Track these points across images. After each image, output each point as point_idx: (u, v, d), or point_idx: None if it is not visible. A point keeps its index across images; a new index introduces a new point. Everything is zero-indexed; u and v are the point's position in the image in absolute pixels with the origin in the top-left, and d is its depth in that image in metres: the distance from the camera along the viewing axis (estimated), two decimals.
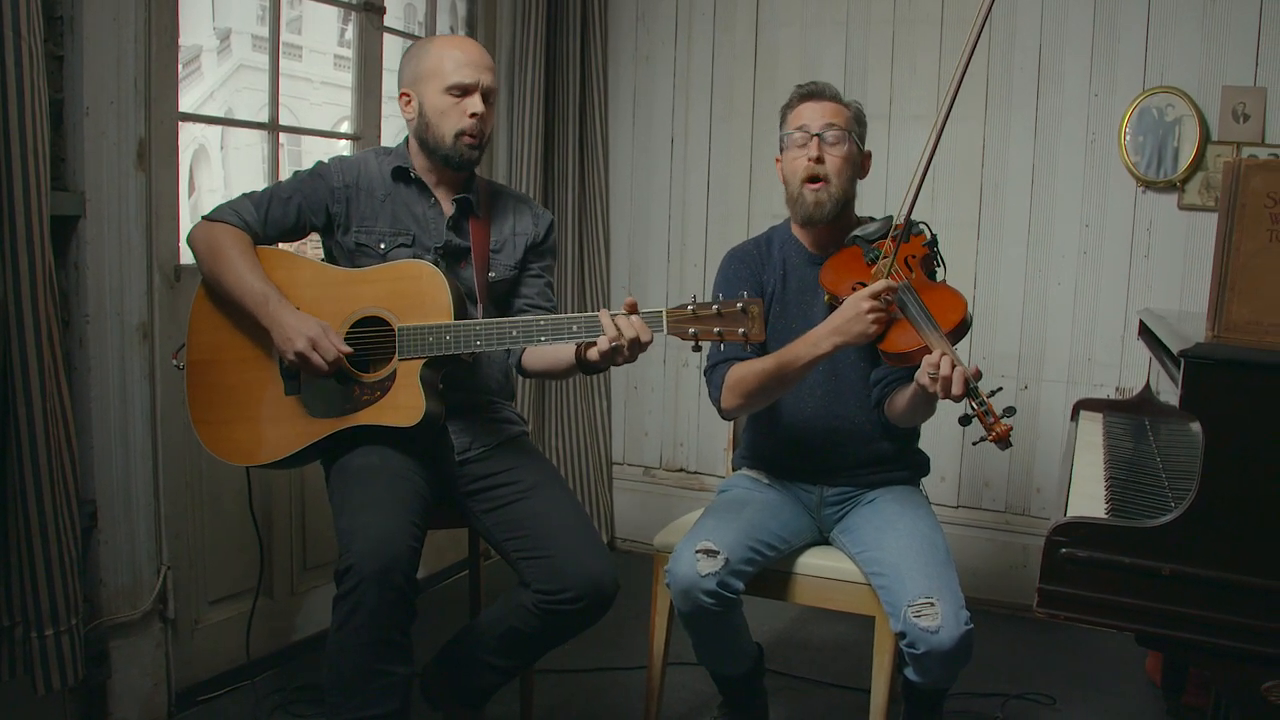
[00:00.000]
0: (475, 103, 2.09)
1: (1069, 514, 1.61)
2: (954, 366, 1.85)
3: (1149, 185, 3.06)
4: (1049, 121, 3.16)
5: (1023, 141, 3.20)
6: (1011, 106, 3.19)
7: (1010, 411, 1.84)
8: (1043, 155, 3.18)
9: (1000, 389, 1.93)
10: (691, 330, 1.86)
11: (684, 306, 1.86)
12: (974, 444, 1.93)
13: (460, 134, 2.10)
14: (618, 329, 1.85)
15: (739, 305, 1.84)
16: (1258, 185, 1.50)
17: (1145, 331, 2.47)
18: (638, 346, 1.87)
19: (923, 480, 2.37)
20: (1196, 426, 1.90)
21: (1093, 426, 2.45)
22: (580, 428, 3.68)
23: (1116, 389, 3.11)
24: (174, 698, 2.40)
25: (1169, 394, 2.42)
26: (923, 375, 1.88)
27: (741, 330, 1.84)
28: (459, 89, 2.09)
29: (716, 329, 1.85)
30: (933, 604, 1.90)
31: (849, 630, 3.07)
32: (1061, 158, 3.16)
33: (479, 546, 2.43)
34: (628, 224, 3.77)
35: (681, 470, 3.78)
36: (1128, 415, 2.53)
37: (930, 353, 1.92)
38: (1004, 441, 1.83)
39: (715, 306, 1.85)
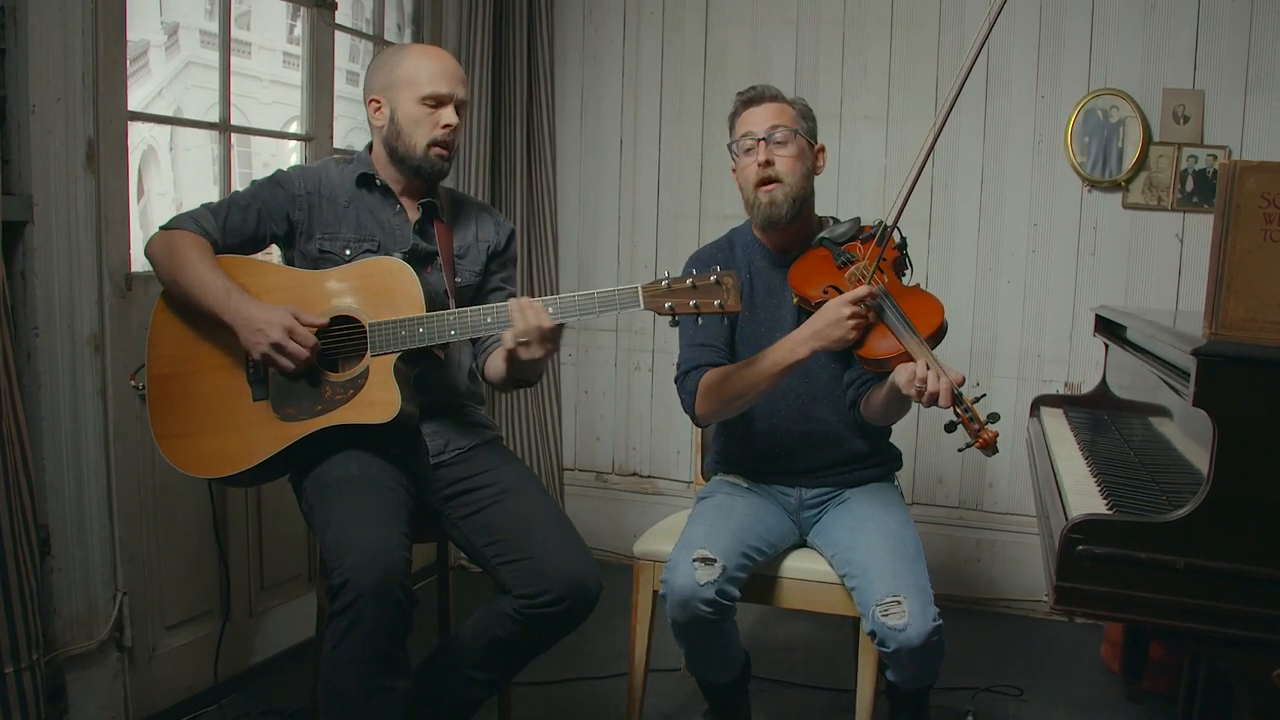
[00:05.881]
0: (449, 114, 2.07)
1: (1073, 512, 1.62)
2: (940, 378, 1.85)
3: (1094, 185, 3.14)
4: (997, 123, 3.23)
5: (972, 142, 3.25)
6: (961, 108, 3.23)
7: (994, 418, 1.85)
8: (991, 156, 3.24)
9: (984, 395, 1.96)
10: (668, 304, 1.85)
11: (658, 281, 1.86)
12: (959, 450, 1.93)
13: (432, 144, 2.07)
14: (525, 318, 1.84)
15: (713, 278, 1.85)
16: (1252, 186, 1.54)
17: (1104, 327, 2.54)
18: (546, 338, 1.86)
19: (896, 474, 2.38)
20: (1158, 420, 1.96)
21: (1057, 423, 2.50)
22: (531, 433, 3.63)
23: (1065, 384, 3.20)
24: None
25: (1120, 388, 2.48)
26: (908, 387, 1.87)
27: (717, 302, 1.84)
28: (434, 99, 2.05)
29: (693, 301, 1.84)
30: (900, 602, 1.92)
31: (816, 630, 3.08)
32: (1010, 158, 3.23)
33: (448, 556, 2.36)
34: (576, 224, 3.72)
35: (635, 475, 3.75)
36: (1087, 410, 2.60)
37: (909, 359, 1.92)
38: (990, 448, 1.83)
39: (690, 280, 1.85)
